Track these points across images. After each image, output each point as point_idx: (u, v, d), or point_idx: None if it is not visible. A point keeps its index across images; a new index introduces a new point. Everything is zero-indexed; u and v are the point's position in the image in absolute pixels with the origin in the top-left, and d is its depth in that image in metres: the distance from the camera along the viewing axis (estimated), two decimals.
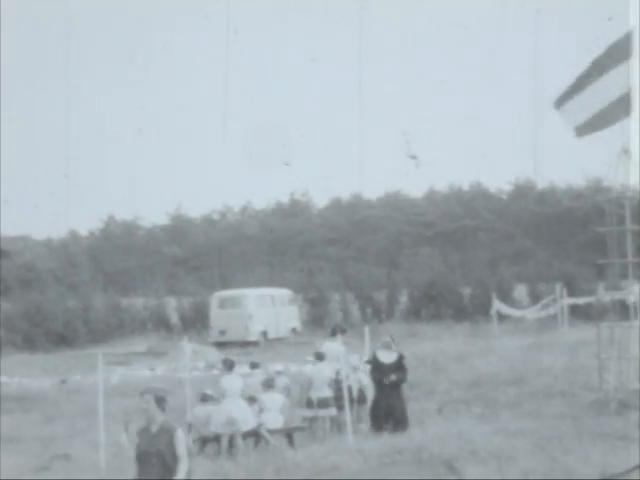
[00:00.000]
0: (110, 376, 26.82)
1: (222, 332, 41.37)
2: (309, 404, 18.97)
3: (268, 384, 18.76)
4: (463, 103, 75.34)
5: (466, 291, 47.44)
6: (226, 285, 48.38)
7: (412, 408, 19.16)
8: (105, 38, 68.56)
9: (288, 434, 18.34)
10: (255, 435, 17.90)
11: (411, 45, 72.77)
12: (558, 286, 42.67)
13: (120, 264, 63.04)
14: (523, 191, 65.94)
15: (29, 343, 41.90)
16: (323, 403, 18.90)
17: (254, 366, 21.12)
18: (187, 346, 22.61)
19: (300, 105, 74.40)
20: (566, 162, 64.54)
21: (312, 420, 18.93)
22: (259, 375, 20.19)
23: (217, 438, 17.63)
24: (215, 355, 33.05)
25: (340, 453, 15.63)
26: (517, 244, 61.84)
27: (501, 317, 42.65)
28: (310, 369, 19.62)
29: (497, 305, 42.76)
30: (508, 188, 66.71)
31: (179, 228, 67.48)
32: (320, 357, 19.50)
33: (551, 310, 42.61)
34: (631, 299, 21.40)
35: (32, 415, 23.93)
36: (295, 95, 74.72)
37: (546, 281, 46.36)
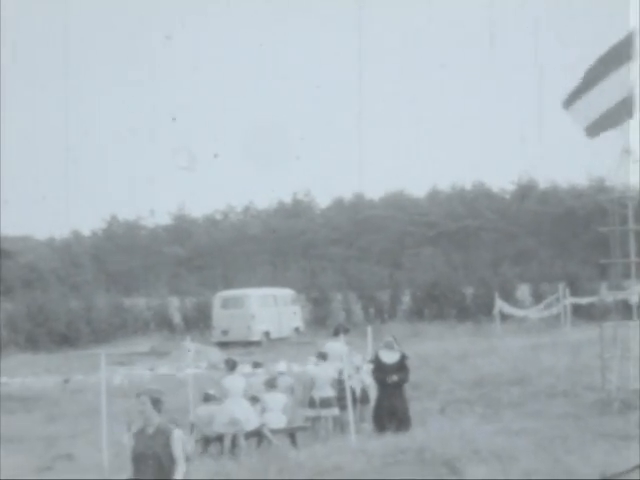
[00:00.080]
0: (113, 376, 26.84)
1: (225, 332, 41.36)
2: (312, 404, 18.96)
3: (271, 384, 18.74)
4: (464, 103, 75.31)
5: (469, 291, 47.41)
6: (229, 285, 48.33)
7: (415, 408, 19.15)
8: (105, 38, 68.55)
9: (291, 434, 18.34)
10: (258, 435, 17.88)
11: (411, 45, 72.72)
12: (561, 286, 42.66)
13: (123, 264, 62.99)
14: (526, 191, 65.89)
15: (32, 343, 41.88)
16: (326, 403, 18.89)
17: (257, 366, 21.11)
18: (190, 346, 22.61)
19: (300, 105, 74.39)
20: (568, 162, 64.62)
21: (315, 420, 18.92)
22: (262, 375, 20.18)
23: (220, 438, 17.63)
24: (218, 355, 33.00)
25: (343, 453, 15.62)
26: (520, 244, 61.78)
27: (504, 317, 42.68)
28: (313, 369, 19.60)
29: (500, 305, 42.76)
30: (511, 188, 66.77)
31: (182, 228, 67.45)
32: (323, 357, 19.50)
33: (554, 310, 42.60)
34: (634, 299, 21.35)
35: (35, 415, 23.94)
36: (295, 95, 74.72)
37: (549, 281, 46.32)
